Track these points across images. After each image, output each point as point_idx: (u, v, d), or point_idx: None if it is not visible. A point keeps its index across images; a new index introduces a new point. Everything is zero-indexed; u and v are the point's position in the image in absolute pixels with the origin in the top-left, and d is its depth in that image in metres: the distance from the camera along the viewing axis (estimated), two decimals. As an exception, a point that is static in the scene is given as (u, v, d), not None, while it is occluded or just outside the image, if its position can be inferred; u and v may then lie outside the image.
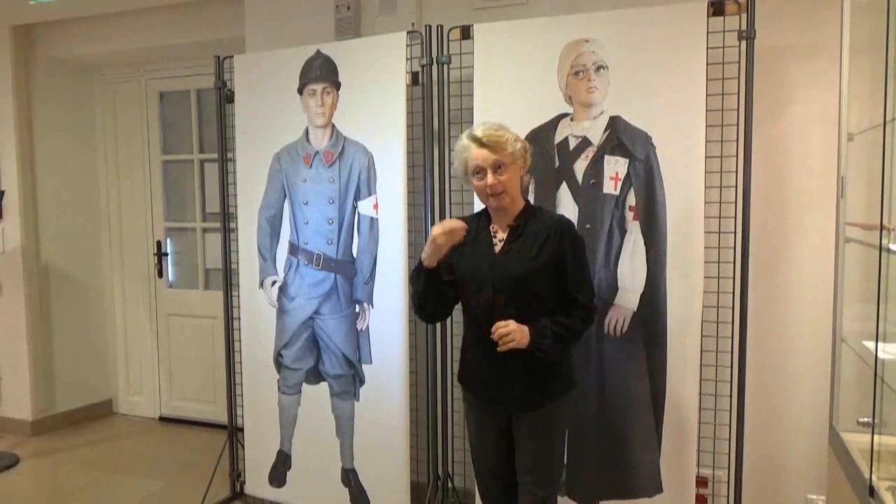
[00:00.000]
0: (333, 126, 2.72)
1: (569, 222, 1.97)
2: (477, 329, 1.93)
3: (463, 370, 2.07)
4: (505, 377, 1.93)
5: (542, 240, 1.89)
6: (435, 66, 2.59)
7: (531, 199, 2.43)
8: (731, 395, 2.33)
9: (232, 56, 2.95)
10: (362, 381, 2.70)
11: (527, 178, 2.02)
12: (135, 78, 4.23)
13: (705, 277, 2.29)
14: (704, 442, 2.36)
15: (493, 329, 1.82)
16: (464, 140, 1.92)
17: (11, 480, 3.44)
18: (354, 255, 2.69)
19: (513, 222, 1.95)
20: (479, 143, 1.87)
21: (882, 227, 1.72)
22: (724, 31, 2.26)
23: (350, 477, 2.75)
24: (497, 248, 1.94)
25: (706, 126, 2.23)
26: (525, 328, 1.82)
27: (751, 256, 2.29)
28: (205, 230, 4.15)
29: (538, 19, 2.46)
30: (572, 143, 2.40)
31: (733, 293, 2.34)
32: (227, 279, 3.09)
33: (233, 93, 2.96)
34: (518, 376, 1.91)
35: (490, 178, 1.86)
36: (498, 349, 1.81)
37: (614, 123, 2.33)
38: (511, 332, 1.80)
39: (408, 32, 2.58)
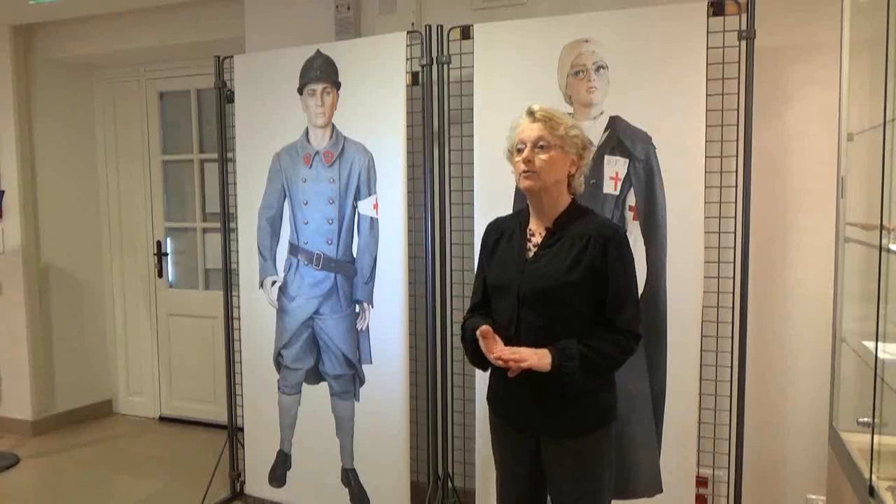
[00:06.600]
0: (333, 126, 2.72)
1: (616, 228, 1.69)
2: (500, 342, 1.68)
3: (489, 386, 1.83)
4: (526, 397, 1.69)
5: (580, 246, 1.62)
6: (435, 66, 2.59)
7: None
8: (731, 395, 2.33)
9: (232, 56, 2.95)
10: (362, 381, 2.70)
11: (579, 182, 1.73)
12: (135, 78, 4.23)
13: (705, 277, 2.29)
14: (704, 442, 2.36)
15: (494, 355, 1.58)
16: (518, 117, 1.73)
17: (11, 480, 3.44)
18: (354, 255, 2.69)
19: (551, 224, 1.69)
20: (532, 116, 1.67)
21: (882, 227, 1.72)
22: (724, 31, 2.26)
23: (350, 477, 2.75)
24: (530, 254, 1.69)
25: (706, 126, 2.23)
26: (544, 352, 1.58)
27: (751, 256, 2.29)
28: (205, 230, 4.15)
29: (538, 19, 2.46)
30: (572, 143, 2.39)
31: (733, 293, 2.34)
32: (227, 279, 3.09)
33: (233, 93, 2.96)
34: (540, 398, 1.66)
35: (526, 152, 1.64)
36: (508, 375, 1.59)
37: (614, 123, 2.33)
38: (521, 359, 1.56)
39: (408, 32, 2.58)
